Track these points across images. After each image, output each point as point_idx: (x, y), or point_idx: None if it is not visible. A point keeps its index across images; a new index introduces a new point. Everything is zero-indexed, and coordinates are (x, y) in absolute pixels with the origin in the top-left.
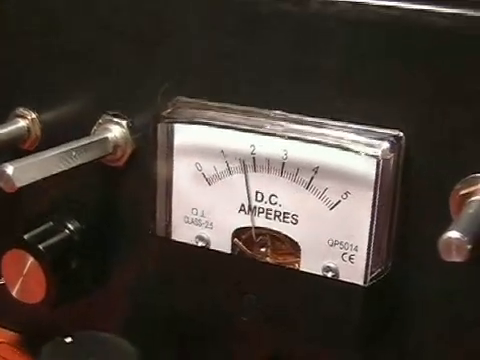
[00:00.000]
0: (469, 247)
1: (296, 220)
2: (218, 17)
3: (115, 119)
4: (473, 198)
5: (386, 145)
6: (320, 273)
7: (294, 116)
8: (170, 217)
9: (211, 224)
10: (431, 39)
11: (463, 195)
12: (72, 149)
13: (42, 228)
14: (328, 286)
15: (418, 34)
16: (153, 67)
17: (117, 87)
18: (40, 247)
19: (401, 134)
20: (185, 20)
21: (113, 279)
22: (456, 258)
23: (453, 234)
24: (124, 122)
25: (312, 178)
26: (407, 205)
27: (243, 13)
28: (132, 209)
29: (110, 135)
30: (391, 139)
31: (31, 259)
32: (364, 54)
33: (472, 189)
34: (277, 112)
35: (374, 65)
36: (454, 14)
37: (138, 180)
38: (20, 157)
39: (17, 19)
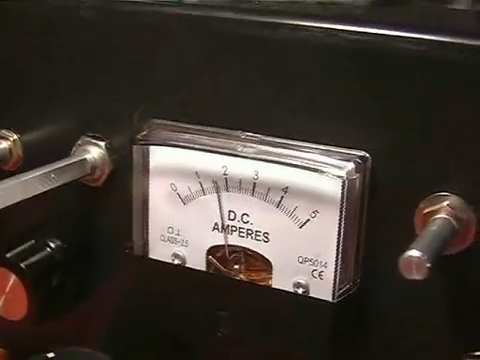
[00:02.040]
0: (428, 265)
1: (267, 238)
2: (193, 42)
3: (94, 140)
4: (436, 216)
5: (351, 166)
6: (291, 289)
7: (264, 138)
8: (147, 236)
9: (186, 242)
10: (397, 63)
11: (427, 213)
12: (51, 171)
13: (24, 246)
14: (299, 302)
15: (385, 58)
16: (130, 90)
17: (96, 109)
18: (22, 265)
19: (367, 155)
20: (162, 44)
21: (95, 296)
22: (416, 276)
23: (413, 253)
24: (102, 143)
25: (282, 198)
26: (374, 223)
27: (216, 37)
28: (112, 228)
29: (88, 156)
30: (357, 160)
31: (13, 277)
32: (332, 78)
33: (435, 207)
34: (248, 134)
35: (342, 88)
36: (421, 39)
37: (117, 200)
38: (2, 178)
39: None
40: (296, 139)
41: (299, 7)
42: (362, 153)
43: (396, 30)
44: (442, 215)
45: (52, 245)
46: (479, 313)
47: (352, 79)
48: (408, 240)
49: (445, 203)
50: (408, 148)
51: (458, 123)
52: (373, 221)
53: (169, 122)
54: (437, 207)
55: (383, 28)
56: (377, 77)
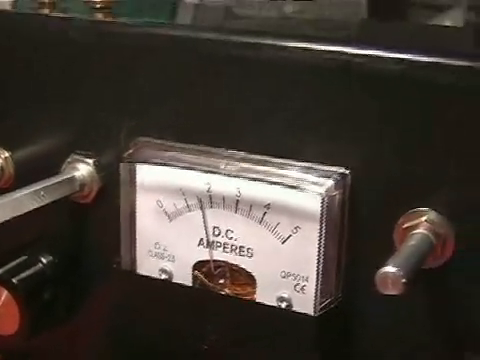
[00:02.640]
0: (404, 281)
1: (251, 253)
2: (178, 61)
3: (82, 158)
4: (414, 231)
5: (331, 183)
6: (275, 303)
7: (247, 156)
8: (135, 251)
9: (173, 257)
10: (378, 82)
11: (406, 228)
12: (40, 189)
13: (16, 262)
14: (282, 316)
15: (365, 77)
16: (117, 109)
17: (84, 128)
18: (14, 281)
19: (347, 171)
20: (148, 63)
21: (86, 310)
22: (392, 291)
23: (388, 269)
24: (91, 161)
25: (264, 214)
26: (355, 238)
27: (200, 57)
28: (101, 243)
29: (77, 174)
30: (336, 177)
31: (5, 293)
32: (313, 96)
33: (414, 222)
34: (231, 152)
35: (323, 106)
36: (402, 59)
37: (105, 216)
38: None
39: None
40: (277, 156)
41: (289, 24)
42: (342, 170)
43: (377, 50)
44: (420, 230)
45: (44, 260)
46: (458, 325)
47: (332, 97)
48: (388, 255)
49: (423, 218)
50: (387, 164)
51: (439, 141)
52: (354, 236)
53: (155, 140)
54: (416, 222)
55: (363, 48)
56: (356, 95)
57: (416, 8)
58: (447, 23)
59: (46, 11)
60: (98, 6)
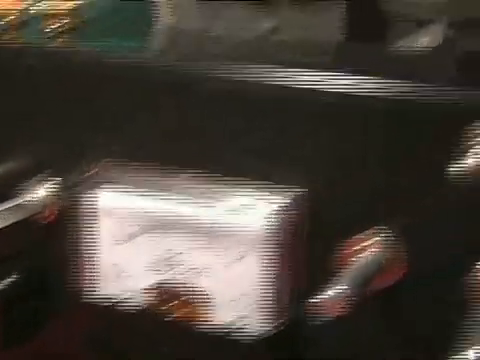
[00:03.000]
0: (350, 302)
1: (203, 276)
2: (141, 85)
3: (44, 180)
4: (365, 252)
5: (284, 203)
6: (227, 325)
7: (199, 178)
8: (94, 273)
9: (129, 279)
10: (334, 105)
11: (357, 249)
12: (2, 210)
13: None
14: (236, 336)
15: (322, 100)
16: (78, 132)
17: (45, 151)
18: None
19: (299, 193)
20: (113, 88)
21: (48, 330)
22: (339, 312)
23: (335, 290)
24: (52, 183)
25: (215, 237)
26: (306, 258)
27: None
28: (64, 263)
29: (39, 195)
30: (291, 198)
31: None
32: (271, 120)
33: (365, 244)
34: (184, 175)
35: (283, 129)
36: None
37: (67, 237)
38: None
39: None
40: (233, 177)
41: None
42: (294, 192)
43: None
44: (371, 251)
45: (5, 281)
46: (411, 344)
47: (291, 121)
48: (339, 275)
49: (374, 239)
50: (338, 186)
51: (391, 165)
52: (305, 257)
53: (114, 163)
54: (367, 243)
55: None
56: (313, 118)
57: (396, 21)
58: (427, 38)
59: (7, 36)
60: (60, 30)
